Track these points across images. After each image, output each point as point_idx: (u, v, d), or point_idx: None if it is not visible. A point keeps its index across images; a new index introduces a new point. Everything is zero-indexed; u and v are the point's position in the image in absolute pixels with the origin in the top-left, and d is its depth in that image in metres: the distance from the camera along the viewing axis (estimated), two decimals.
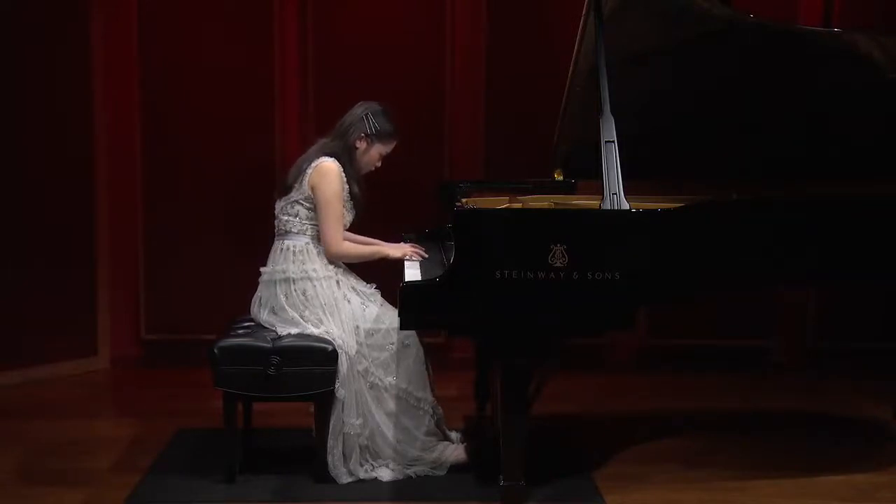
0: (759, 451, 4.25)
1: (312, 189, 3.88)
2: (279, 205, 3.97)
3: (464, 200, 4.21)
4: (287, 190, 3.93)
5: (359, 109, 3.98)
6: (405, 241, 4.20)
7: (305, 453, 3.90)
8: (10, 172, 5.09)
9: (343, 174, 3.91)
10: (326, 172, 3.88)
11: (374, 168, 4.05)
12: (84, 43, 5.28)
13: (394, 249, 4.04)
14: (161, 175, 5.43)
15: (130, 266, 5.48)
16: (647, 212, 3.52)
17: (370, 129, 3.95)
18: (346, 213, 3.94)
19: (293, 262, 3.90)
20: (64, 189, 5.27)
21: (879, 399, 4.81)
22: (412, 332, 3.84)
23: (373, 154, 4.00)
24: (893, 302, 5.31)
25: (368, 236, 4.14)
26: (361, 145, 3.98)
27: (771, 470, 4.03)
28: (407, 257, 4.00)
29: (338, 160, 3.91)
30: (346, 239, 3.97)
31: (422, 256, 4.03)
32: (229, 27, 5.39)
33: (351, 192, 3.94)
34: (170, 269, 5.47)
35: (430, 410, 3.90)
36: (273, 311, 3.91)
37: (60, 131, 5.24)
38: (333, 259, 3.93)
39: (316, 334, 3.82)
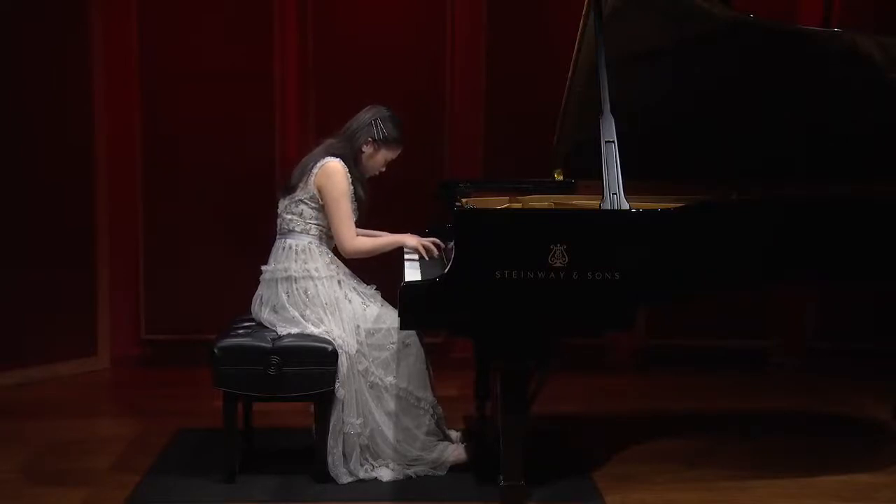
0: (759, 451, 4.25)
1: (319, 189, 3.88)
2: (283, 203, 3.97)
3: (464, 200, 4.20)
4: (292, 189, 3.93)
5: (367, 114, 3.99)
6: None
7: (305, 453, 3.90)
8: (10, 173, 5.08)
9: (349, 174, 3.91)
10: (333, 173, 3.88)
11: (378, 173, 4.06)
12: (84, 43, 5.28)
13: (412, 239, 4.01)
14: (161, 175, 5.43)
15: (130, 266, 5.49)
16: (647, 212, 3.52)
17: (378, 134, 3.95)
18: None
19: (295, 261, 3.90)
20: (64, 189, 5.26)
21: (879, 399, 4.81)
22: (412, 332, 3.84)
23: (378, 159, 4.00)
24: (893, 302, 5.31)
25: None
26: (368, 149, 3.98)
27: (771, 470, 4.03)
28: (423, 247, 3.97)
29: (343, 161, 3.91)
30: (366, 234, 3.97)
31: (438, 248, 4.00)
32: (229, 27, 5.39)
33: (355, 194, 3.94)
34: (170, 270, 5.47)
35: (431, 410, 3.90)
36: (274, 310, 3.92)
37: (60, 131, 5.24)
38: (351, 256, 3.92)
39: (316, 334, 3.82)
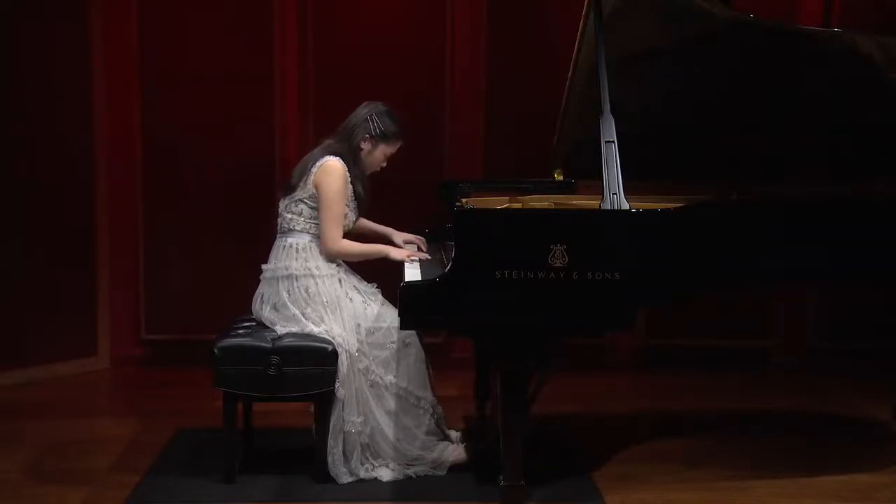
0: (759, 451, 4.25)
1: (316, 187, 3.88)
2: (283, 203, 3.97)
3: (464, 200, 4.20)
4: (292, 188, 3.94)
5: (364, 110, 3.99)
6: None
7: (305, 453, 3.91)
8: (10, 173, 5.09)
9: (348, 174, 3.91)
10: (331, 171, 3.88)
11: (379, 169, 4.06)
12: (84, 43, 5.28)
13: (396, 252, 4.02)
14: (161, 175, 5.43)
15: (130, 266, 5.48)
16: (647, 212, 3.52)
17: (375, 130, 3.95)
18: (349, 213, 3.95)
19: (296, 260, 3.90)
20: (64, 189, 5.26)
21: (879, 399, 4.80)
22: (413, 332, 3.84)
23: (377, 155, 4.00)
24: (893, 302, 5.31)
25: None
26: (366, 146, 3.98)
27: (771, 470, 4.03)
28: (410, 260, 3.98)
29: (343, 160, 3.91)
30: (361, 225, 3.97)
31: (421, 249, 4.01)
32: (229, 27, 5.39)
33: (355, 193, 3.94)
34: (170, 269, 5.47)
35: (430, 410, 3.90)
36: (275, 308, 3.92)
37: (60, 132, 5.24)
38: (331, 257, 3.93)
39: (316, 333, 3.82)
